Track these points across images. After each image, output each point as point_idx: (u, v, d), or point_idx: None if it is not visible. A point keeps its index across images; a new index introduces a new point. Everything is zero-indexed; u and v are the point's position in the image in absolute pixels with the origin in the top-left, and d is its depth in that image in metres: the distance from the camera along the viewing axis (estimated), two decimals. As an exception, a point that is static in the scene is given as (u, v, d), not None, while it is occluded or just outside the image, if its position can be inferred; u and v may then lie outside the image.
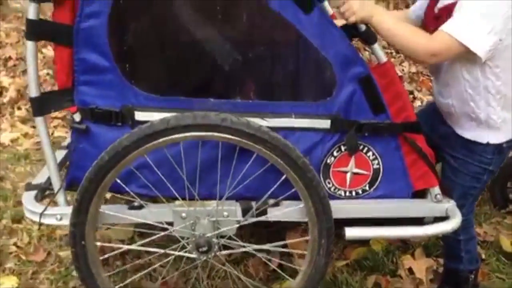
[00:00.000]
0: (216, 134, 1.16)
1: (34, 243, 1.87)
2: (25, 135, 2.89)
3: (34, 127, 3.00)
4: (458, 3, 1.19)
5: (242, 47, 1.23)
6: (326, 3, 1.20)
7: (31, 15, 1.16)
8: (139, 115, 1.24)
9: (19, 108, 3.15)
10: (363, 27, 1.21)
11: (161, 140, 1.16)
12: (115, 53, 1.20)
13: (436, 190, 1.33)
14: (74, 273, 1.60)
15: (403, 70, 3.32)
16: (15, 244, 1.87)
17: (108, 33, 1.17)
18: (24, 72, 3.51)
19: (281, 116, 1.24)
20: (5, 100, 3.26)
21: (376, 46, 1.23)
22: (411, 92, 3.14)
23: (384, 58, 1.24)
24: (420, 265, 1.62)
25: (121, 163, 1.18)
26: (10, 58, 3.67)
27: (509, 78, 1.26)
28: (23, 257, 1.79)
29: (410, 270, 1.65)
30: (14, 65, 3.63)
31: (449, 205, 1.33)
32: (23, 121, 3.03)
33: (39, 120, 1.26)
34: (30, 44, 1.19)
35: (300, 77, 1.27)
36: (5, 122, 3.02)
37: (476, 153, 1.34)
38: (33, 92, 1.24)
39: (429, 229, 1.32)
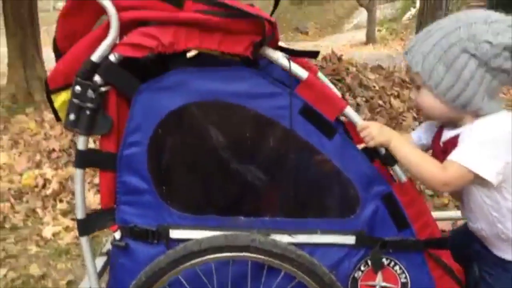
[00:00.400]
0: (246, 254, 1.23)
1: None
2: (66, 228, 3.02)
3: (74, 219, 3.15)
4: (461, 135, 1.24)
5: (270, 169, 1.32)
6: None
7: (81, 146, 1.29)
8: (174, 233, 1.33)
9: (61, 201, 3.31)
10: (383, 151, 1.28)
11: (194, 261, 1.23)
12: (153, 177, 1.31)
13: (465, 305, 1.35)
14: None
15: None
16: None
17: (147, 160, 1.29)
18: (67, 164, 3.72)
19: (307, 232, 1.31)
20: (48, 192, 3.44)
21: (396, 167, 1.29)
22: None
23: (404, 178, 1.30)
24: None
25: (157, 283, 1.26)
26: (53, 150, 3.90)
27: None
28: None
29: None
30: (57, 157, 3.85)
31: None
32: (64, 213, 3.18)
33: (83, 240, 1.37)
34: (79, 171, 1.31)
35: (325, 195, 1.34)
36: (48, 215, 3.17)
37: None
38: (80, 215, 1.35)
39: None
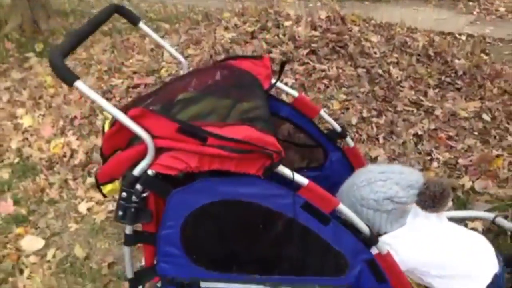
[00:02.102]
0: None
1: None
2: (98, 202, 3.44)
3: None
4: None
5: (279, 243, 1.68)
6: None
7: (128, 231, 1.64)
8: (203, 284, 1.74)
9: (89, 173, 3.69)
10: (367, 232, 1.62)
11: None
12: (185, 248, 1.68)
13: None
14: None
15: (422, 127, 3.64)
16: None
17: (179, 237, 1.65)
18: (90, 133, 4.04)
19: (310, 286, 1.71)
20: (76, 162, 3.81)
21: (379, 244, 1.63)
22: (429, 154, 3.47)
23: (384, 251, 1.65)
24: None
25: None
26: (75, 117, 4.20)
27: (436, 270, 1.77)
28: None
29: None
30: (80, 124, 4.16)
31: None
32: (94, 187, 3.58)
33: (133, 292, 1.77)
34: (127, 249, 1.68)
35: (322, 261, 1.70)
36: (80, 189, 3.57)
37: None
38: (129, 274, 1.74)
39: None
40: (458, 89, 4.00)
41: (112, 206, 3.36)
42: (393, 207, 1.74)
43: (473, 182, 3.24)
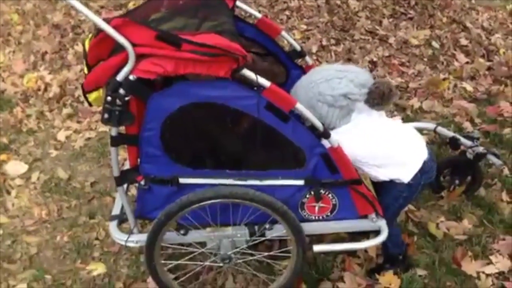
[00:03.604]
0: (229, 200, 1.94)
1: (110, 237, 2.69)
2: (75, 131, 3.63)
3: (79, 122, 3.74)
4: None
5: (246, 140, 1.93)
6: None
7: (113, 133, 1.86)
8: (181, 180, 2.00)
9: (64, 105, 3.86)
10: (321, 127, 1.90)
11: (195, 206, 1.94)
12: (165, 146, 1.92)
13: (372, 215, 2.10)
14: (143, 259, 2.44)
15: (377, 54, 3.92)
16: (96, 238, 2.71)
17: (159, 137, 1.90)
18: (62, 67, 4.17)
19: (273, 178, 2.00)
20: (51, 95, 3.96)
21: (332, 138, 1.91)
22: (383, 76, 3.77)
23: (336, 144, 1.94)
24: (372, 248, 2.43)
25: (173, 217, 1.97)
26: (46, 52, 4.30)
27: (376, 160, 2.06)
28: (105, 248, 2.62)
29: (366, 251, 2.47)
30: (51, 59, 4.27)
31: (381, 223, 2.12)
32: (70, 117, 3.76)
33: (120, 189, 2.02)
34: (113, 149, 1.92)
35: (283, 155, 1.98)
36: (56, 119, 3.75)
37: None
38: (116, 173, 1.98)
39: (367, 243, 2.14)
40: (411, 19, 4.28)
41: (88, 134, 3.58)
42: (346, 103, 1.92)
43: (421, 102, 3.58)
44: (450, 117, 3.44)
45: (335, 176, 2.01)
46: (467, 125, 3.31)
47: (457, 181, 2.72)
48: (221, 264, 2.14)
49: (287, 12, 4.08)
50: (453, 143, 2.60)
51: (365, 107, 1.99)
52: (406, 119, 3.40)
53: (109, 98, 1.78)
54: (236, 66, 1.73)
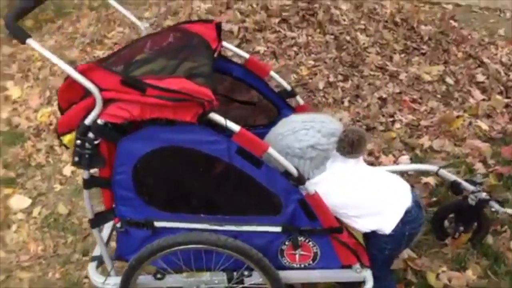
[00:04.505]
0: (201, 246, 1.89)
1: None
2: (81, 165, 3.66)
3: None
4: None
5: (220, 187, 1.89)
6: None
7: (85, 176, 1.85)
8: (156, 224, 1.95)
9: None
10: (295, 173, 1.83)
11: (166, 251, 1.90)
12: (137, 189, 1.89)
13: (356, 265, 2.00)
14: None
15: (387, 91, 3.82)
16: (86, 276, 2.67)
17: (131, 181, 1.87)
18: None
19: (249, 224, 1.93)
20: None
21: (307, 185, 1.84)
22: (392, 115, 3.67)
23: (312, 191, 1.86)
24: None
25: (144, 262, 1.94)
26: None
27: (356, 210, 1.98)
28: (92, 288, 2.59)
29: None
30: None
31: (366, 274, 2.01)
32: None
33: (95, 231, 2.00)
34: (85, 191, 1.90)
35: (259, 201, 1.91)
36: (65, 153, 3.79)
37: None
38: (90, 215, 1.96)
39: None
40: (423, 54, 4.18)
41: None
42: (316, 154, 1.87)
43: (431, 141, 3.45)
44: (462, 157, 3.29)
45: (314, 224, 1.93)
46: (479, 166, 3.15)
47: (461, 228, 2.58)
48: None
49: (294, 48, 4.05)
50: (455, 187, 2.47)
51: (338, 154, 1.92)
52: (414, 159, 3.28)
53: (78, 141, 1.78)
54: (202, 111, 1.69)
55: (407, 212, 1.94)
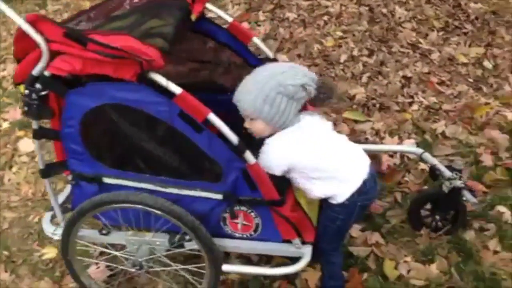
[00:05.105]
0: (138, 206, 1.93)
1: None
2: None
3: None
4: None
5: (163, 147, 1.91)
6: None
7: (34, 126, 1.93)
8: (105, 180, 2.01)
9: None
10: (235, 141, 1.80)
11: (107, 207, 1.96)
12: (86, 144, 1.95)
13: (296, 241, 1.96)
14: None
15: (415, 69, 3.60)
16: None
17: (79, 134, 1.93)
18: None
19: (191, 189, 1.94)
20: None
21: (246, 154, 1.79)
22: (412, 96, 3.46)
23: (252, 161, 1.82)
24: (312, 277, 2.27)
25: (85, 215, 2.02)
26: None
27: (315, 172, 1.87)
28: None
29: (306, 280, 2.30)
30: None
31: (305, 251, 1.97)
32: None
33: (46, 181, 2.09)
34: (36, 142, 1.99)
35: (200, 166, 1.90)
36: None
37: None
38: (41, 165, 2.04)
39: (279, 270, 2.01)
40: (465, 34, 3.87)
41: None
42: (304, 95, 1.80)
43: (446, 126, 3.23)
44: (475, 146, 3.07)
45: (255, 194, 1.90)
46: (487, 157, 2.92)
47: (437, 217, 2.44)
48: (132, 270, 2.13)
49: (325, 18, 3.91)
50: (433, 172, 2.35)
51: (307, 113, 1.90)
52: (422, 144, 3.09)
53: (26, 91, 1.84)
54: (140, 70, 1.70)
55: (364, 183, 1.90)
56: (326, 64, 3.65)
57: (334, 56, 3.68)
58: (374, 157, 2.88)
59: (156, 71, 1.73)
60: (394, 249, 2.41)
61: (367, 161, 1.99)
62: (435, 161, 2.35)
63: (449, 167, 2.29)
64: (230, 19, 2.30)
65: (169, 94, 1.77)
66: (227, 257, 2.37)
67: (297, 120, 1.86)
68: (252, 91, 1.81)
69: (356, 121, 3.32)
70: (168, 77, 1.78)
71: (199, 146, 1.83)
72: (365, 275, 2.29)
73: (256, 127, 1.87)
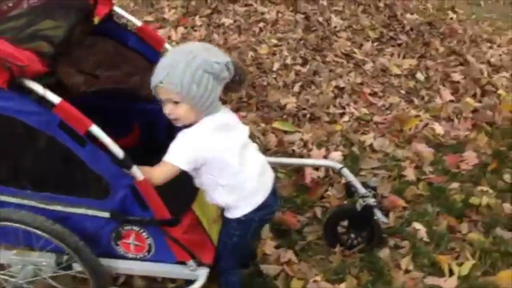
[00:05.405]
0: (16, 225, 1.80)
1: None
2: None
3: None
4: None
5: (44, 160, 1.77)
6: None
7: None
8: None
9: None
10: (121, 155, 1.68)
11: None
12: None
13: (190, 262, 1.85)
14: None
15: (348, 80, 3.56)
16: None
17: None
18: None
19: (77, 206, 1.81)
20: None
21: (133, 169, 1.69)
22: (343, 107, 3.41)
23: (140, 178, 1.70)
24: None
25: None
26: None
27: (221, 175, 1.75)
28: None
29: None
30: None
31: (201, 273, 1.86)
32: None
33: None
34: None
35: (84, 182, 1.77)
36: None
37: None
38: None
39: None
40: (399, 45, 3.87)
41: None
42: (227, 75, 1.67)
43: (375, 139, 3.19)
44: (401, 160, 3.03)
45: (145, 213, 1.79)
46: (410, 172, 2.89)
47: (352, 235, 2.38)
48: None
49: (261, 24, 3.84)
50: (349, 189, 2.30)
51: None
52: (349, 156, 3.04)
53: None
54: (10, 77, 1.57)
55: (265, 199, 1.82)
56: (259, 72, 3.57)
57: (267, 64, 3.60)
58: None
59: (32, 78, 1.61)
60: (306, 268, 2.32)
61: (272, 176, 1.90)
62: (351, 178, 2.30)
63: (364, 184, 2.25)
64: (138, 23, 2.19)
65: (50, 104, 1.64)
66: (131, 278, 2.24)
67: (217, 110, 1.73)
68: (179, 68, 1.62)
69: (285, 132, 3.25)
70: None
71: (82, 160, 1.70)
72: (272, 296, 2.19)
73: (179, 112, 1.68)
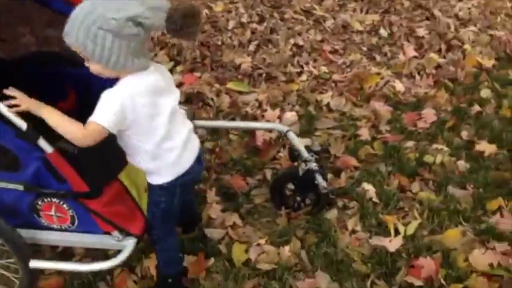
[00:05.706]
0: None
1: None
2: None
3: None
4: None
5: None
6: None
7: None
8: None
9: None
10: (24, 127, 1.58)
11: None
12: None
13: (115, 233, 1.78)
14: None
15: (307, 37, 3.42)
16: None
17: None
18: None
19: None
20: None
21: (40, 142, 1.59)
22: (302, 66, 3.29)
23: (49, 150, 1.61)
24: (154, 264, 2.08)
25: None
26: None
27: (148, 140, 1.65)
28: None
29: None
30: None
31: (127, 243, 1.79)
32: None
33: None
34: None
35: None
36: None
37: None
38: None
39: (93, 266, 1.83)
40: (362, 0, 3.70)
41: None
42: (137, 31, 1.49)
43: (332, 98, 3.09)
44: (359, 119, 2.94)
45: (62, 186, 1.70)
46: (364, 131, 2.80)
47: (298, 198, 2.31)
48: None
49: (217, -19, 3.66)
50: (292, 153, 2.26)
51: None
52: (304, 117, 2.95)
53: None
54: None
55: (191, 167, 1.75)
56: (214, 31, 3.42)
57: (222, 22, 3.45)
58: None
59: None
60: (250, 231, 2.25)
61: (197, 145, 1.81)
62: (296, 141, 2.25)
63: (307, 148, 2.20)
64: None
65: None
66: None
67: (143, 67, 1.59)
68: (76, 23, 1.49)
69: (240, 92, 3.14)
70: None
71: None
72: (212, 260, 2.12)
73: (93, 68, 1.58)
